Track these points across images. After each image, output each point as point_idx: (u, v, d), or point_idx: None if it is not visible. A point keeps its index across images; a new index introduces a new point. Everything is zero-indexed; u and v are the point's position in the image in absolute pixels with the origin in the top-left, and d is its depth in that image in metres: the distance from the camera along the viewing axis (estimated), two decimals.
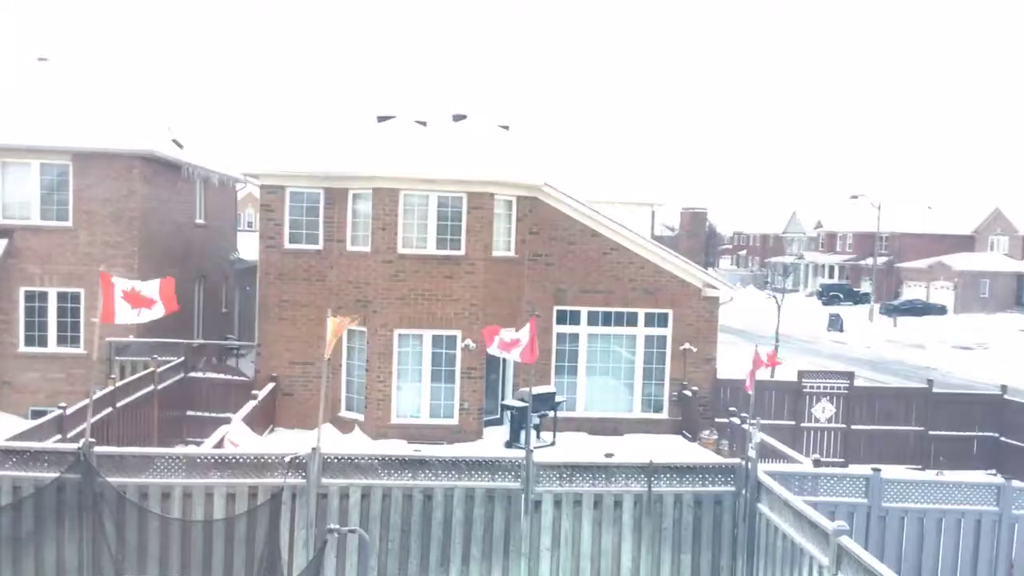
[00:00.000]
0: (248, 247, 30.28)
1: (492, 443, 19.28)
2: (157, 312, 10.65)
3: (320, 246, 20.71)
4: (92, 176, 21.71)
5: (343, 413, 20.30)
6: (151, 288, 10.68)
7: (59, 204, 21.80)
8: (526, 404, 16.83)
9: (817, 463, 13.43)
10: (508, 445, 18.97)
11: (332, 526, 10.06)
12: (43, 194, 21.78)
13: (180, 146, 25.02)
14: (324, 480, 10.37)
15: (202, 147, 27.73)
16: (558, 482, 10.76)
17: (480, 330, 19.75)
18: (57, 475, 9.88)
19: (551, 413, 19.79)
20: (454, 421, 19.76)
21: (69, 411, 13.67)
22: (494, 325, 20.32)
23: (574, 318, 21.51)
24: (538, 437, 19.20)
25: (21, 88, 23.47)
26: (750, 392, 13.93)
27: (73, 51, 27.09)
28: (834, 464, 18.39)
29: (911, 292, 73.17)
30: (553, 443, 19.40)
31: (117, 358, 20.73)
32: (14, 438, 11.75)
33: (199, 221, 27.09)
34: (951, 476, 14.38)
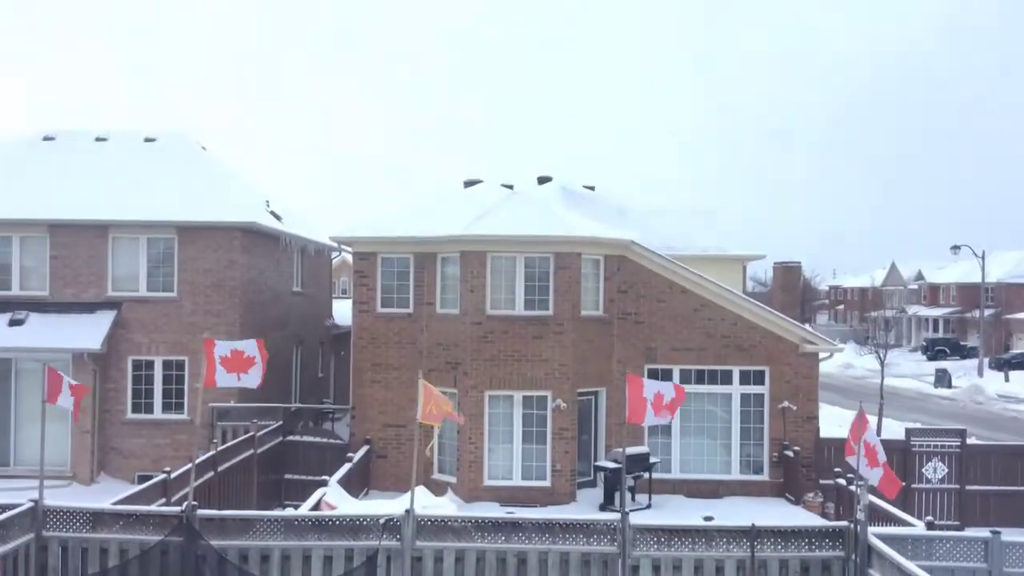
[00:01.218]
0: (343, 313, 30.97)
1: (586, 506, 18.96)
2: (254, 375, 10.93)
3: (411, 309, 21.02)
4: (195, 248, 22.65)
5: (436, 475, 20.31)
6: (249, 347, 10.99)
7: (164, 276, 22.78)
8: (620, 465, 16.53)
9: (931, 526, 12.76)
10: (602, 508, 18.62)
11: None
12: (150, 267, 22.80)
13: (278, 218, 25.93)
14: (418, 543, 10.35)
15: (298, 218, 28.70)
16: (656, 546, 10.49)
17: (569, 391, 19.63)
18: (161, 538, 10.12)
19: (646, 475, 19.39)
20: (547, 483, 19.54)
21: (173, 475, 14.06)
22: (589, 384, 20.22)
23: (666, 376, 21.12)
24: (633, 499, 18.80)
25: (129, 166, 24.79)
26: (853, 454, 13.05)
27: (177, 128, 28.44)
28: (949, 527, 17.44)
29: (1022, 345, 69.72)
30: (649, 506, 18.96)
31: (219, 423, 21.30)
32: (121, 501, 12.11)
33: (296, 289, 27.88)
34: None
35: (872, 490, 11.43)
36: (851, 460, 11.09)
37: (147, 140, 26.63)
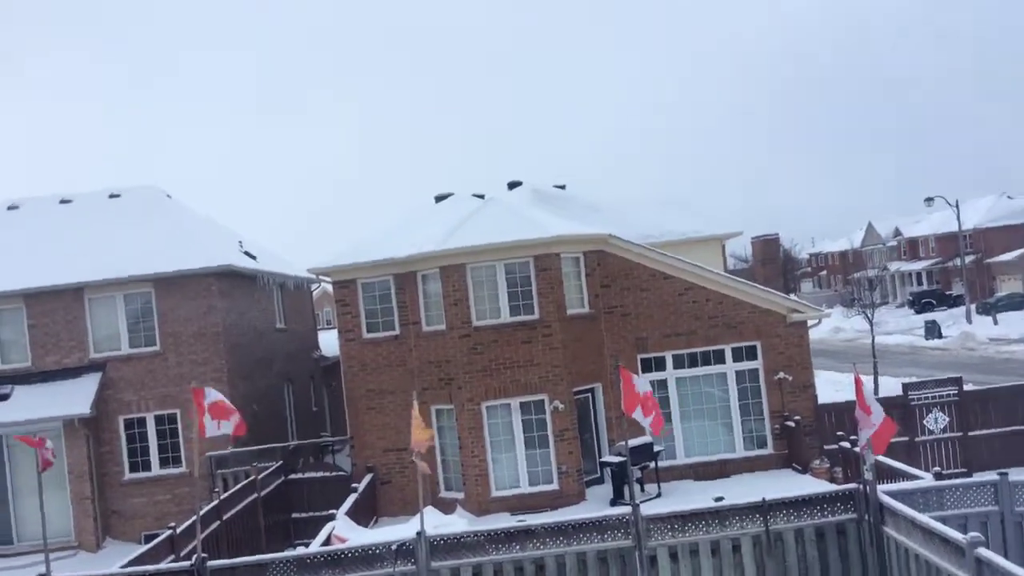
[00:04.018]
0: (329, 343, 30.84)
1: (596, 503, 18.89)
2: (234, 422, 10.90)
3: (397, 331, 20.92)
4: (173, 299, 22.48)
5: (443, 494, 20.19)
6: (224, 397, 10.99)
7: (146, 331, 22.60)
8: (625, 458, 16.50)
9: (939, 476, 12.78)
10: (613, 503, 18.56)
11: None
12: (130, 323, 22.62)
13: (253, 257, 25.79)
14: (434, 563, 10.26)
15: (273, 255, 28.56)
16: (670, 534, 10.45)
17: (565, 392, 19.57)
18: None
19: (652, 464, 19.34)
20: (555, 486, 19.46)
21: (179, 530, 13.89)
22: (583, 381, 20.18)
23: (659, 364, 21.15)
24: (642, 490, 18.75)
25: (98, 225, 24.59)
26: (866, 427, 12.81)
27: (138, 182, 28.26)
28: (957, 475, 17.50)
29: (1006, 287, 70.31)
30: (659, 494, 18.92)
31: (218, 471, 21.12)
32: (129, 563, 11.96)
33: (279, 325, 27.71)
34: None
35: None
36: (863, 425, 11.03)
37: (112, 196, 26.45)
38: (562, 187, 31.93)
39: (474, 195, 24.01)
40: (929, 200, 60.16)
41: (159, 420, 22.39)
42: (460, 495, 19.83)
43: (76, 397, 21.57)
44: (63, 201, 26.26)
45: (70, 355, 22.43)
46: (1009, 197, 78.46)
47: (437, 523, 13.73)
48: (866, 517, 10.52)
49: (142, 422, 22.37)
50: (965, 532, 9.04)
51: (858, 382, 11.69)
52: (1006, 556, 10.11)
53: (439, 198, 25.36)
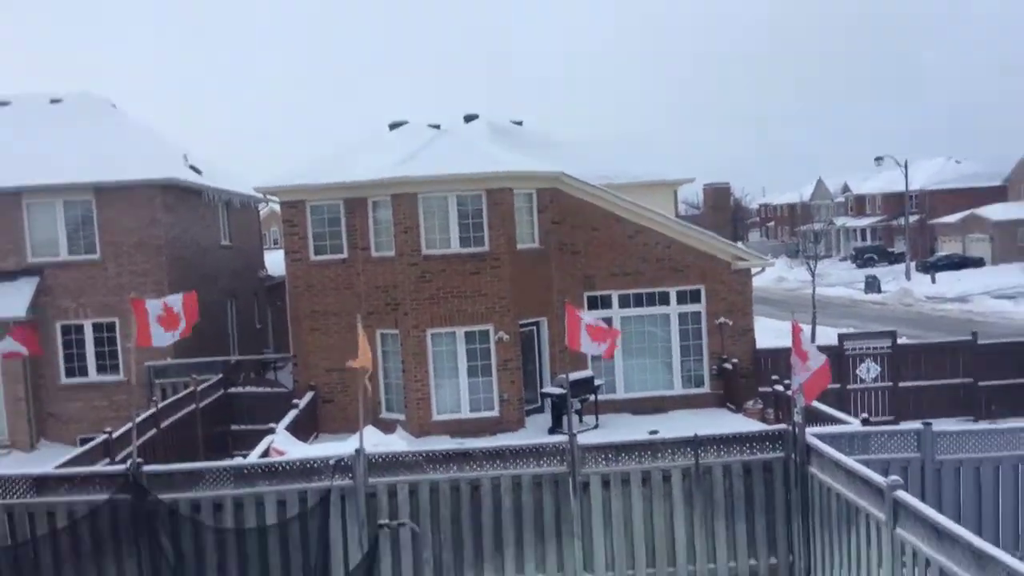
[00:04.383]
0: (276, 264, 30.51)
1: (535, 431, 19.23)
2: (183, 328, 10.80)
3: (345, 255, 20.77)
4: (115, 209, 21.97)
5: (384, 415, 20.35)
6: (176, 302, 10.85)
7: (86, 239, 22.08)
8: (565, 390, 16.76)
9: (866, 422, 13.22)
10: (551, 432, 18.91)
11: (382, 522, 10.08)
12: (69, 231, 22.07)
13: (199, 172, 25.23)
14: (371, 480, 10.38)
15: (220, 171, 27.94)
16: (604, 463, 10.68)
17: (511, 323, 19.73)
18: (108, 497, 9.98)
19: (591, 397, 19.70)
20: (495, 413, 19.75)
21: (115, 435, 13.81)
22: (527, 315, 20.34)
23: (605, 302, 21.39)
24: (581, 421, 19.12)
25: (37, 129, 23.78)
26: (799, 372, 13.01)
27: (83, 87, 27.28)
28: (884, 423, 18.13)
29: (947, 247, 72.09)
30: (596, 426, 19.31)
31: (157, 381, 20.95)
32: (64, 464, 11.89)
33: (224, 243, 27.30)
34: (1006, 424, 14.06)
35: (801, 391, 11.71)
36: (797, 370, 11.28)
37: (53, 101, 25.54)
38: (519, 123, 31.61)
39: (429, 125, 23.71)
40: (879, 159, 61.04)
41: (97, 327, 22.07)
42: (401, 416, 20.02)
43: (12, 300, 21.13)
44: (1, 103, 25.29)
45: (6, 259, 21.88)
46: (957, 161, 79.92)
47: (377, 442, 13.85)
48: (793, 456, 10.84)
49: (80, 329, 22.04)
50: (886, 476, 9.36)
51: (796, 328, 11.95)
52: (923, 500, 10.55)
53: (393, 125, 24.98)
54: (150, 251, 22.13)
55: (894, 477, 8.94)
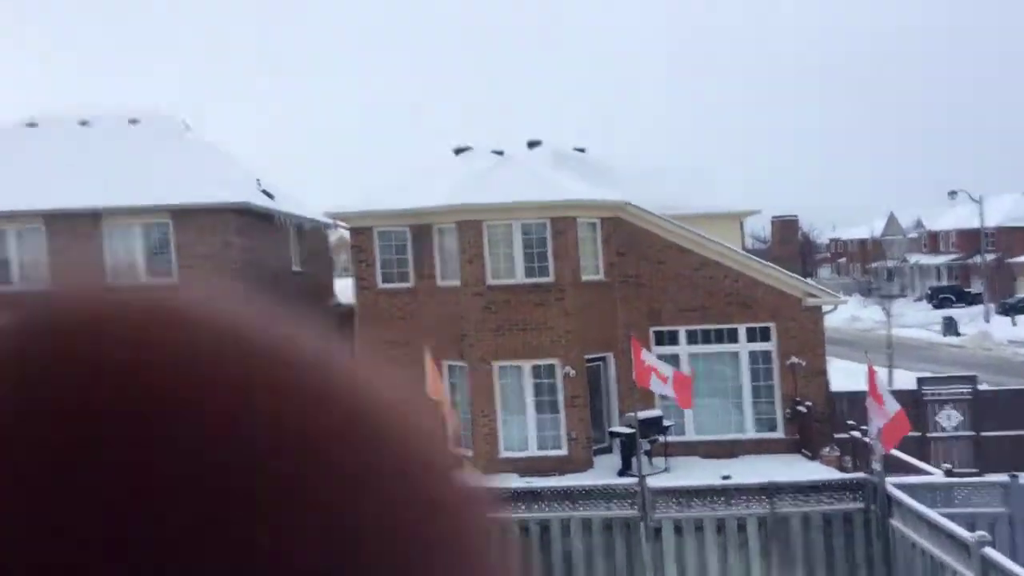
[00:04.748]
0: (344, 291, 30.81)
1: (604, 472, 18.80)
2: None
3: (412, 283, 20.81)
4: (190, 232, 22.38)
5: None
6: None
7: (163, 262, 22.51)
8: (634, 430, 16.45)
9: (949, 473, 12.67)
10: (621, 474, 18.48)
11: None
12: (147, 253, 22.53)
13: (271, 196, 25.64)
14: None
15: (287, 196, 28.35)
16: (676, 508, 10.41)
17: (577, 358, 19.48)
18: None
19: (661, 438, 19.27)
20: (563, 452, 19.44)
21: None
22: (596, 350, 20.07)
23: (672, 338, 20.97)
24: (651, 463, 18.69)
25: (113, 150, 24.35)
26: (876, 417, 12.53)
27: (162, 109, 27.96)
28: (967, 475, 17.38)
29: None
30: (667, 469, 18.85)
31: None
32: None
33: (296, 268, 27.64)
34: None
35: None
36: (873, 416, 10.91)
37: (132, 122, 26.19)
38: (582, 150, 31.50)
39: (493, 151, 23.74)
40: (953, 194, 59.43)
41: None
42: (468, 452, 19.87)
43: None
44: (82, 123, 26.01)
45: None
46: None
47: None
48: (873, 508, 10.44)
49: None
50: (972, 531, 8.93)
51: (871, 372, 11.58)
52: (1013, 559, 10.01)
53: (458, 150, 25.08)
54: (226, 276, 22.48)
55: (981, 533, 8.56)
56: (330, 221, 26.29)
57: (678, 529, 10.40)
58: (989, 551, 8.06)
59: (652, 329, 20.86)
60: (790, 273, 21.96)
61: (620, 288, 20.87)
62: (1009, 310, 59.31)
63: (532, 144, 29.41)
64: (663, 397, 20.29)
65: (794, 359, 20.72)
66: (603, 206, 20.62)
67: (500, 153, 23.46)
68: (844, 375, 27.07)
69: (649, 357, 12.03)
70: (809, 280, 25.07)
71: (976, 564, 8.15)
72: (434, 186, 20.95)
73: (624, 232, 20.91)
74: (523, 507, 10.37)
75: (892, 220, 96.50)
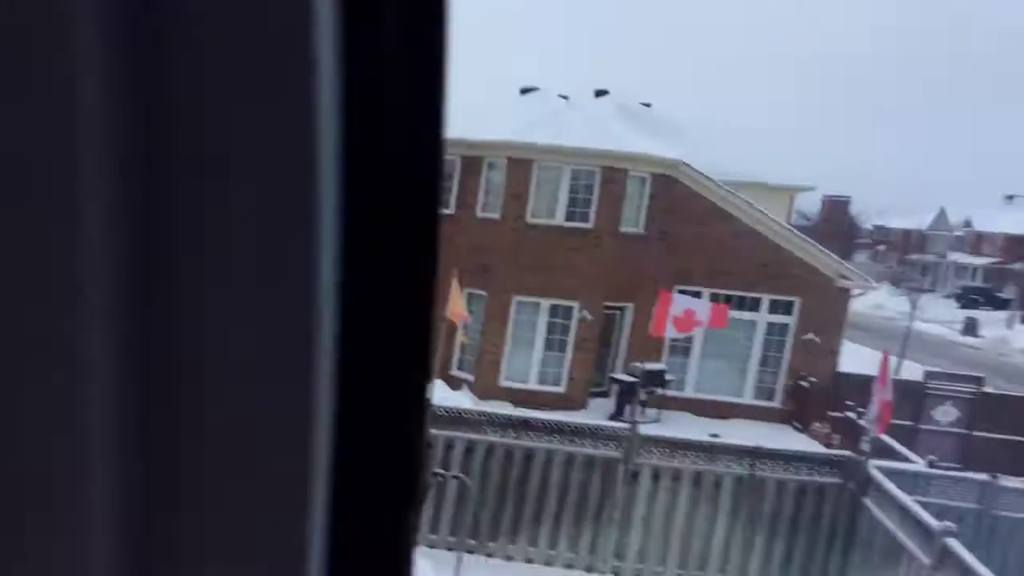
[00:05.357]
0: None
1: (597, 414, 19.39)
2: None
3: (452, 211, 21.12)
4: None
5: (454, 371, 20.83)
6: None
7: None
8: (636, 379, 16.91)
9: (932, 464, 13.03)
10: (612, 418, 19.02)
11: (437, 470, 10.53)
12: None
13: None
14: (432, 431, 10.82)
15: None
16: (658, 457, 10.88)
17: (597, 304, 19.85)
18: None
19: (659, 390, 19.72)
20: (561, 389, 19.99)
21: None
22: (618, 300, 20.41)
23: (696, 299, 21.20)
24: (643, 412, 19.21)
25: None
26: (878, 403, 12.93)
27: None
28: (950, 469, 17.72)
29: None
30: (658, 420, 19.36)
31: None
32: None
33: None
34: None
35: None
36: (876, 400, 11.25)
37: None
38: (648, 105, 31.33)
39: (559, 95, 23.79)
40: (1009, 198, 58.38)
41: None
42: (470, 377, 20.46)
43: None
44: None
45: None
46: None
47: (444, 396, 14.33)
48: (849, 485, 10.84)
49: None
50: (939, 521, 9.32)
51: (885, 359, 11.91)
52: (972, 553, 10.42)
53: (524, 90, 25.14)
54: None
55: (947, 523, 8.90)
56: None
57: (656, 477, 10.89)
58: (951, 541, 8.45)
59: (677, 288, 21.01)
60: (828, 252, 21.92)
61: (656, 244, 20.96)
62: None
63: (599, 93, 29.23)
64: (670, 352, 20.71)
65: (811, 336, 20.93)
66: (656, 162, 20.61)
67: (565, 98, 23.52)
68: (854, 359, 27.23)
69: (680, 301, 12.23)
70: (845, 262, 25.05)
71: (936, 551, 8.53)
72: (495, 121, 21.07)
73: (673, 190, 20.88)
74: (513, 434, 10.90)
75: (941, 215, 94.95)
